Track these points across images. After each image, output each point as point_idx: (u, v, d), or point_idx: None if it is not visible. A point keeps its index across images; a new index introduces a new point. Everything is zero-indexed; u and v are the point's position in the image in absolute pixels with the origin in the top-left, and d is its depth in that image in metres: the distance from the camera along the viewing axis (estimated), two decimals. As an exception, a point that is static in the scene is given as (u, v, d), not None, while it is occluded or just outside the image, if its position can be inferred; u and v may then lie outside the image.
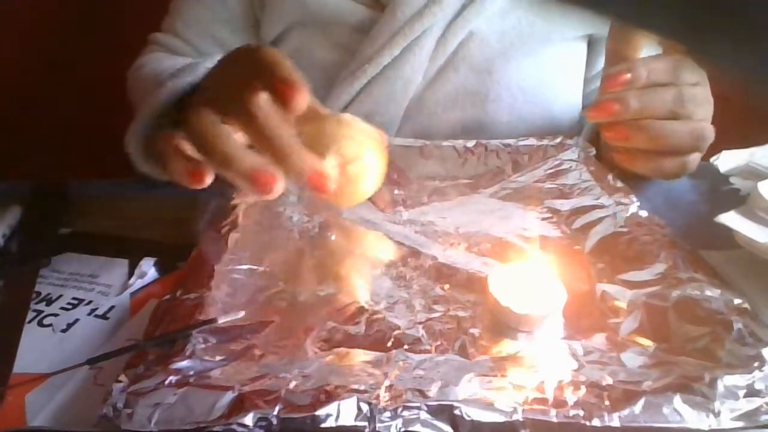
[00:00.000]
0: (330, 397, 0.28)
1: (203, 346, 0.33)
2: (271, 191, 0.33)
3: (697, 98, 0.46)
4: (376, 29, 0.59)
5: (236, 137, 0.34)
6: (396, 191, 0.53)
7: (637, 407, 0.28)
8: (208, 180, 0.35)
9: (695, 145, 0.47)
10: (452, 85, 0.62)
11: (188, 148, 0.35)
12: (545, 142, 0.55)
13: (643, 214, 0.43)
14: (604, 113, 0.45)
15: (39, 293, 0.41)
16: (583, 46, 0.67)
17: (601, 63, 0.69)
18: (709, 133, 0.47)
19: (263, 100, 0.34)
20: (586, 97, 0.71)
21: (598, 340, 0.34)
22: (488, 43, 0.61)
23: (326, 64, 0.62)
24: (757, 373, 0.29)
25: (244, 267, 0.40)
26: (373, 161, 0.38)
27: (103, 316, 0.39)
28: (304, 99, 0.33)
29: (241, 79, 0.35)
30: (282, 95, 0.33)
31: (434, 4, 0.58)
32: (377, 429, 0.27)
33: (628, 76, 0.44)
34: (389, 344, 0.34)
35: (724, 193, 0.51)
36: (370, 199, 0.52)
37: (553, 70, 0.64)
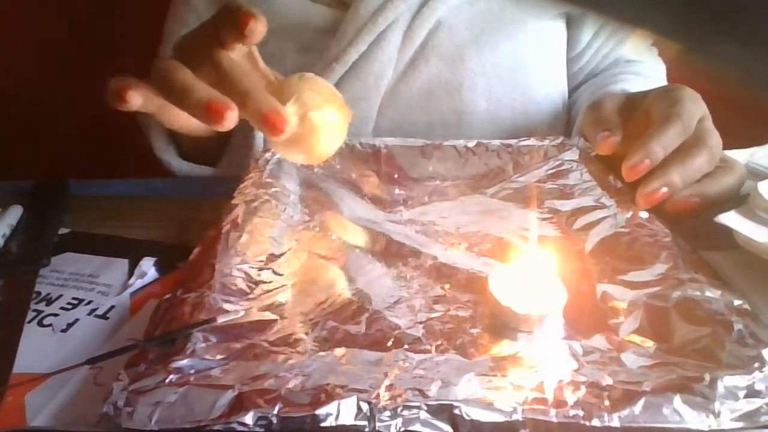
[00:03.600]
0: (330, 396, 0.28)
1: (203, 345, 0.33)
2: (222, 119, 0.34)
3: (717, 140, 0.46)
4: (341, 28, 0.60)
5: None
6: (396, 191, 0.53)
7: (637, 407, 0.28)
8: (135, 100, 0.36)
9: (741, 186, 0.48)
10: (425, 76, 0.62)
11: (147, 92, 0.37)
12: (546, 142, 0.55)
13: (644, 215, 0.43)
14: (656, 200, 0.44)
15: (39, 293, 0.41)
16: (560, 26, 0.67)
17: (583, 41, 0.69)
18: (743, 171, 0.48)
19: (230, 54, 0.37)
20: (572, 78, 0.70)
21: (598, 340, 0.34)
22: (457, 31, 0.61)
23: (298, 67, 0.62)
24: (757, 374, 0.29)
25: (245, 267, 0.40)
26: (336, 114, 0.39)
27: (103, 316, 0.39)
28: (261, 24, 0.35)
29: (205, 30, 0.37)
30: (239, 24, 0.35)
31: None
32: (377, 428, 0.27)
33: (648, 162, 0.44)
34: (389, 344, 0.34)
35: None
36: (369, 198, 0.52)
37: (530, 53, 0.64)
